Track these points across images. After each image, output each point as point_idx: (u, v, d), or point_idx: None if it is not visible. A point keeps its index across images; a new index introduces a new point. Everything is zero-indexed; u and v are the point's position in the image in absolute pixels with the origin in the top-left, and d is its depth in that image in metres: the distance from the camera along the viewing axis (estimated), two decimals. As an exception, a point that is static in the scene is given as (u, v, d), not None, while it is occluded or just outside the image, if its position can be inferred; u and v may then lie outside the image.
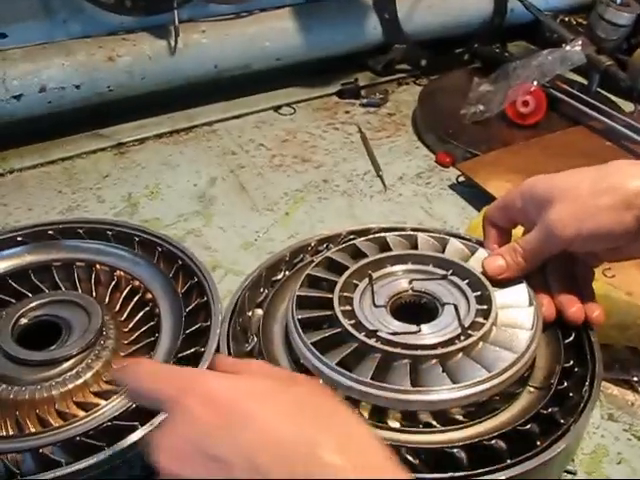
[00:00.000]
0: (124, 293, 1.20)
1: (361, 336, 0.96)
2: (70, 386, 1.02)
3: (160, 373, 0.73)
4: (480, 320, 0.98)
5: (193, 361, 1.01)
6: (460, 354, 0.94)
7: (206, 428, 0.63)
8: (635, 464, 1.07)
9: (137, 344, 1.11)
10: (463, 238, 1.17)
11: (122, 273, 1.23)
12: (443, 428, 0.93)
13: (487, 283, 1.03)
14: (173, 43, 1.91)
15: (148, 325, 1.13)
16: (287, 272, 1.20)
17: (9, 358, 1.04)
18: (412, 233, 1.18)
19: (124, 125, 1.96)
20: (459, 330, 0.96)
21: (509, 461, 0.86)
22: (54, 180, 1.75)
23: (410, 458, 0.88)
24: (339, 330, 0.99)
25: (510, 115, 1.91)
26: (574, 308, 1.02)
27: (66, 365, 1.04)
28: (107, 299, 1.19)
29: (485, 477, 0.84)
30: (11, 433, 0.97)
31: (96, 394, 1.02)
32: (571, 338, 1.04)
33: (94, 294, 1.20)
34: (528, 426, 0.91)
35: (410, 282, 1.07)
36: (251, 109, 2.07)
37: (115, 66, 1.85)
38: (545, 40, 2.41)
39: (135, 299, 1.18)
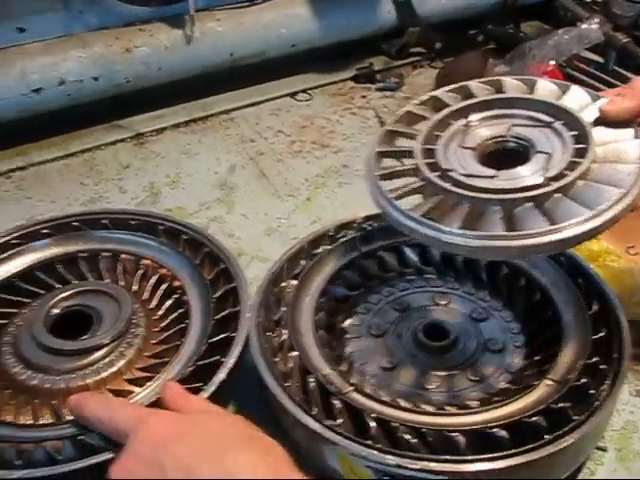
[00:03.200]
0: (151, 281, 1.21)
1: (430, 174, 0.93)
2: (104, 374, 1.04)
3: (116, 405, 0.90)
4: (577, 160, 0.90)
5: (224, 345, 1.03)
6: (557, 195, 0.87)
7: (154, 440, 0.78)
8: (665, 439, 1.08)
9: (167, 331, 1.12)
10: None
11: (148, 262, 1.24)
12: (479, 408, 0.95)
13: (586, 123, 0.94)
14: (189, 32, 1.91)
15: (178, 312, 1.14)
16: (328, 246, 1.21)
17: (43, 348, 1.06)
18: (499, 78, 1.08)
19: (142, 116, 1.96)
20: (538, 180, 0.89)
21: (546, 437, 0.86)
22: (75, 172, 1.76)
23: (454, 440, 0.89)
24: (412, 166, 0.96)
25: (527, 95, 1.90)
26: None
27: (99, 354, 1.06)
28: (135, 288, 1.21)
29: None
30: (50, 421, 0.98)
31: (130, 381, 1.04)
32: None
33: (121, 283, 1.21)
34: (561, 404, 0.92)
35: (509, 127, 1.00)
36: (267, 96, 2.07)
37: (132, 57, 1.86)
38: (559, 19, 2.38)
39: (163, 287, 1.19)
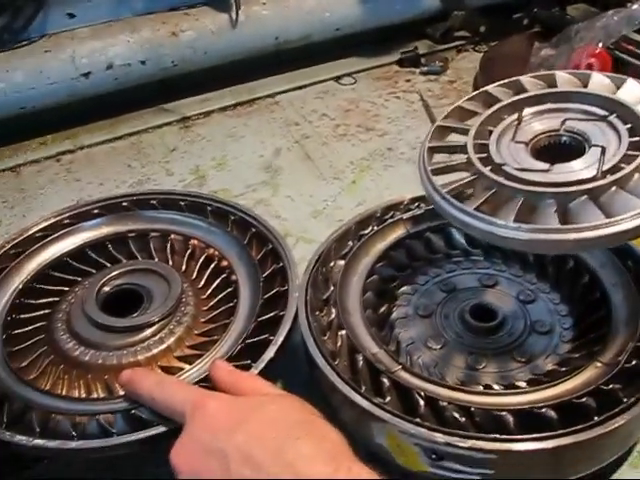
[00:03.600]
0: (200, 261, 1.23)
1: (483, 168, 0.92)
2: (154, 351, 1.06)
3: (170, 385, 0.91)
4: (633, 153, 0.89)
5: (273, 324, 1.04)
6: (613, 188, 0.86)
7: (214, 427, 0.79)
8: None
9: (216, 310, 1.14)
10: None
11: (197, 242, 1.26)
12: (527, 389, 0.95)
13: None
14: (234, 16, 1.92)
15: (226, 291, 1.16)
16: (375, 227, 1.21)
17: (95, 325, 1.08)
18: (551, 72, 1.07)
19: (188, 99, 1.99)
20: (593, 173, 0.87)
21: (596, 418, 0.86)
22: (123, 155, 1.79)
23: (502, 419, 0.89)
24: (464, 160, 0.96)
25: (574, 78, 1.87)
26: None
27: (149, 331, 1.08)
28: (184, 267, 1.22)
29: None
30: (102, 395, 1.00)
31: (180, 358, 1.06)
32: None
33: (170, 263, 1.23)
34: (611, 385, 0.91)
35: (563, 121, 0.98)
36: (312, 80, 2.08)
37: (179, 41, 1.88)
38: (606, 1, 2.35)
39: (211, 267, 1.21)
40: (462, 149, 0.97)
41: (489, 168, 0.93)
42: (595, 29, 1.91)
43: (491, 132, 0.99)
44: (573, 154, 0.93)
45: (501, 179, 0.90)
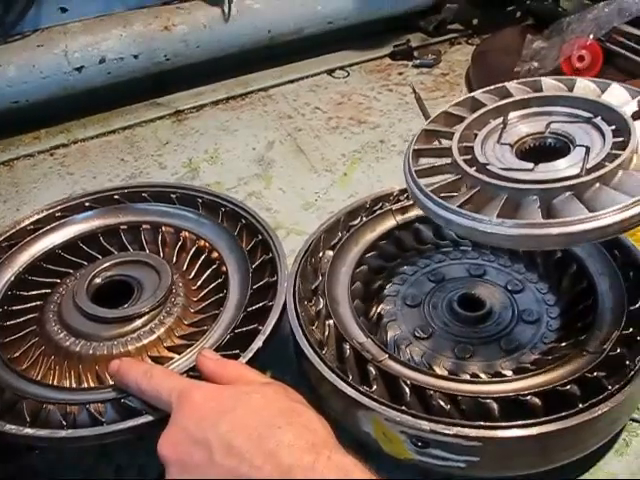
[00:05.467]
0: (190, 253, 1.23)
1: (467, 167, 0.93)
2: (145, 341, 1.07)
3: (157, 374, 0.90)
4: (617, 152, 0.89)
5: (262, 314, 1.05)
6: (597, 184, 0.86)
7: (199, 417, 0.80)
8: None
9: (206, 300, 1.15)
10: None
11: (187, 234, 1.26)
12: (513, 377, 0.96)
13: (627, 115, 0.93)
14: (227, 10, 1.93)
15: (216, 282, 1.17)
16: (365, 218, 1.22)
17: (86, 316, 1.09)
18: (537, 78, 1.08)
19: (181, 93, 2.00)
20: (577, 170, 0.87)
21: (581, 406, 0.87)
22: (116, 148, 1.80)
23: (488, 407, 0.90)
24: (448, 162, 0.96)
25: (565, 71, 1.87)
26: None
27: (140, 322, 1.09)
28: (174, 259, 1.23)
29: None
30: (92, 385, 1.01)
31: (170, 348, 1.06)
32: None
33: (161, 255, 1.24)
34: (595, 373, 0.92)
35: (548, 124, 0.98)
36: (305, 73, 2.09)
37: (171, 35, 1.88)
38: (599, -7, 2.36)
39: (202, 258, 1.21)
40: (447, 152, 0.98)
41: (474, 169, 0.93)
42: (586, 21, 1.91)
43: (476, 135, 1.00)
44: (558, 155, 0.93)
45: (485, 177, 0.91)
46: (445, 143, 1.01)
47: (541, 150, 0.98)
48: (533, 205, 0.85)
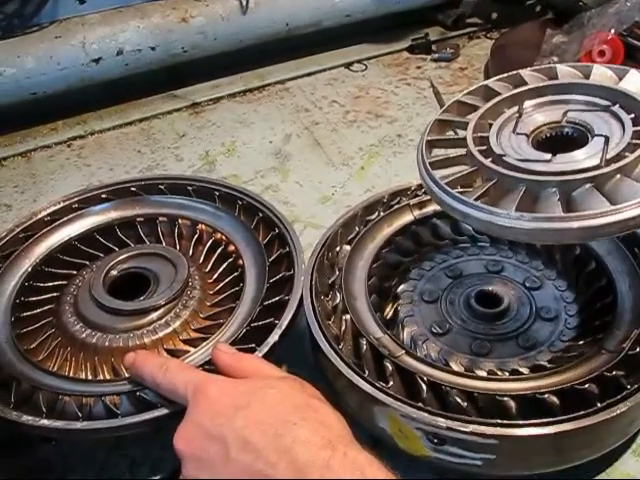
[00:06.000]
0: (207, 246, 1.23)
1: (483, 158, 0.91)
2: (160, 334, 1.06)
3: (173, 368, 0.90)
4: (637, 142, 0.87)
5: (278, 308, 1.04)
6: (618, 176, 0.84)
7: (215, 412, 0.80)
8: None
9: (222, 294, 1.14)
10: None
11: (204, 226, 1.26)
12: (530, 375, 0.95)
13: None
14: (244, 2, 1.92)
15: (232, 275, 1.16)
16: (382, 213, 1.22)
17: (102, 308, 1.09)
18: (552, 65, 1.06)
19: (198, 85, 2.00)
20: (597, 161, 0.85)
21: (599, 405, 0.86)
22: (133, 140, 1.80)
23: (505, 405, 0.89)
24: (463, 153, 0.95)
25: (586, 65, 1.86)
26: None
27: (156, 314, 1.08)
28: (191, 252, 1.23)
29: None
30: (108, 377, 1.01)
31: (185, 341, 1.06)
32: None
33: (178, 247, 1.23)
34: (614, 372, 0.91)
35: (565, 113, 0.96)
36: (322, 66, 2.08)
37: (189, 27, 1.88)
38: (620, -13, 2.34)
39: (218, 251, 1.21)
40: (461, 142, 0.96)
41: (489, 160, 0.92)
42: (607, 15, 1.90)
43: (491, 125, 0.98)
44: (576, 145, 0.91)
45: (502, 169, 0.89)
46: (459, 133, 0.99)
47: (558, 140, 0.95)
48: (552, 198, 0.84)
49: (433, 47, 2.16)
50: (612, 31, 1.83)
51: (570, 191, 0.84)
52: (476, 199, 0.86)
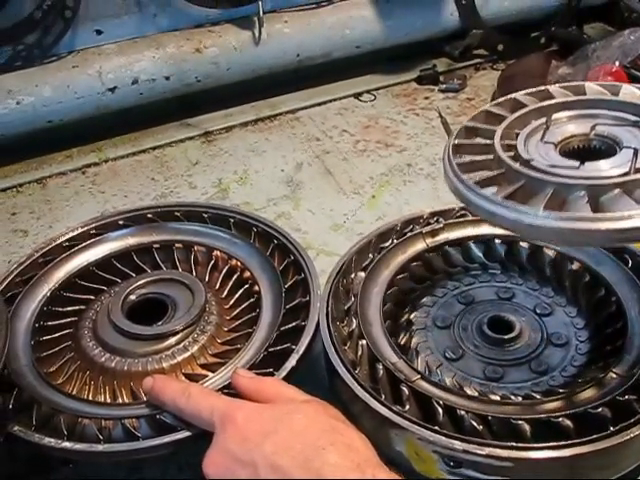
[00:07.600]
0: (223, 272, 1.25)
1: (511, 162, 0.91)
2: (179, 359, 1.08)
3: (195, 394, 0.92)
4: None
5: (295, 333, 1.06)
6: None
7: (244, 438, 0.82)
8: None
9: (239, 319, 1.16)
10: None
11: (219, 253, 1.28)
12: (544, 399, 0.97)
13: None
14: (257, 34, 1.96)
15: (249, 302, 1.18)
16: (396, 240, 1.24)
17: (121, 333, 1.11)
18: (580, 83, 1.07)
19: (211, 114, 2.03)
20: (625, 170, 0.85)
21: (612, 428, 0.87)
22: (146, 168, 1.83)
23: (519, 428, 0.90)
24: (490, 158, 0.94)
25: (592, 96, 1.89)
26: None
27: (174, 339, 1.10)
28: (207, 278, 1.25)
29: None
30: (127, 401, 1.03)
31: (203, 366, 1.08)
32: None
33: (194, 273, 1.25)
34: (626, 396, 0.93)
35: (593, 126, 0.97)
36: (332, 96, 2.11)
37: (202, 57, 1.92)
38: (623, 20, 2.36)
39: (234, 277, 1.23)
40: (488, 148, 0.97)
41: (517, 164, 0.91)
42: (612, 48, 1.93)
43: (517, 134, 0.98)
44: (603, 157, 0.91)
45: (530, 171, 0.88)
46: (486, 140, 1.00)
47: (586, 152, 0.95)
48: (581, 201, 0.83)
49: (441, 78, 2.18)
50: (616, 63, 1.86)
51: (599, 195, 0.83)
52: (504, 198, 0.86)
